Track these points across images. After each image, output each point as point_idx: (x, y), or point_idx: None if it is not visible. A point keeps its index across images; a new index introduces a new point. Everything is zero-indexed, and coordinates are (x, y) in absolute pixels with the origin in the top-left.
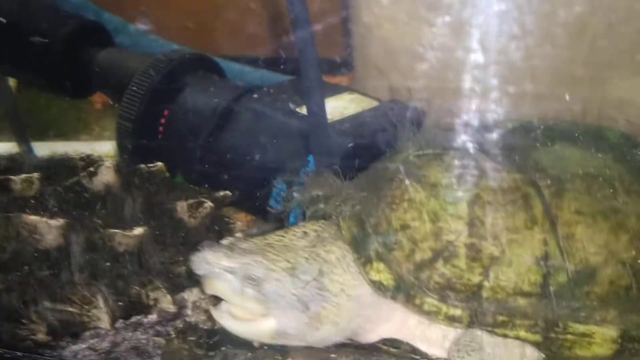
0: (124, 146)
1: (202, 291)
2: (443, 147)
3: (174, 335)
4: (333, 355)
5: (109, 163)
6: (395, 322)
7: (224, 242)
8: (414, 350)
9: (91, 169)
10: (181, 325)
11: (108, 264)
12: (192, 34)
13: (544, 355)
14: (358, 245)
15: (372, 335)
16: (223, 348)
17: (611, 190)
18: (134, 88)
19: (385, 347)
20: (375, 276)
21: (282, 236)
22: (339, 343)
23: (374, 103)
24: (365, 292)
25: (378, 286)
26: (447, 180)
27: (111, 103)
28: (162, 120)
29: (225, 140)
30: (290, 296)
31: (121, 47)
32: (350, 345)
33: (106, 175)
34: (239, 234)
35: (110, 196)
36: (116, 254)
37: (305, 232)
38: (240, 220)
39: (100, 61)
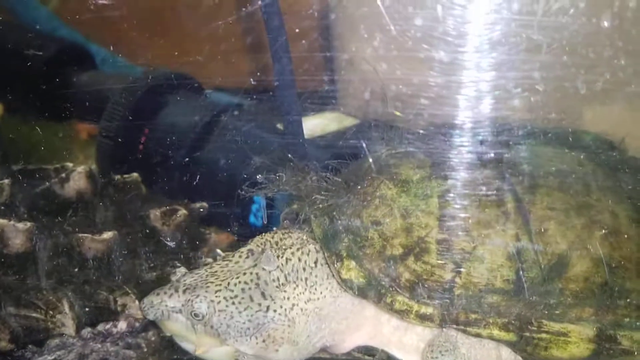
0: (104, 163)
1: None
2: (415, 147)
3: (146, 350)
4: None
5: (81, 169)
6: (368, 331)
7: (173, 278)
8: (390, 358)
9: (63, 175)
10: (153, 338)
11: (76, 269)
12: (179, 65)
13: (520, 358)
14: (329, 243)
15: (345, 345)
16: None
17: (584, 187)
18: (114, 106)
19: (359, 355)
20: (345, 274)
21: (229, 260)
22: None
23: (355, 121)
24: (324, 304)
25: (349, 284)
26: (419, 176)
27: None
28: (142, 138)
29: (205, 156)
30: (238, 324)
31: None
32: None
33: (78, 182)
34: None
35: (82, 202)
36: (85, 259)
37: (250, 250)
38: (222, 241)
39: (82, 83)
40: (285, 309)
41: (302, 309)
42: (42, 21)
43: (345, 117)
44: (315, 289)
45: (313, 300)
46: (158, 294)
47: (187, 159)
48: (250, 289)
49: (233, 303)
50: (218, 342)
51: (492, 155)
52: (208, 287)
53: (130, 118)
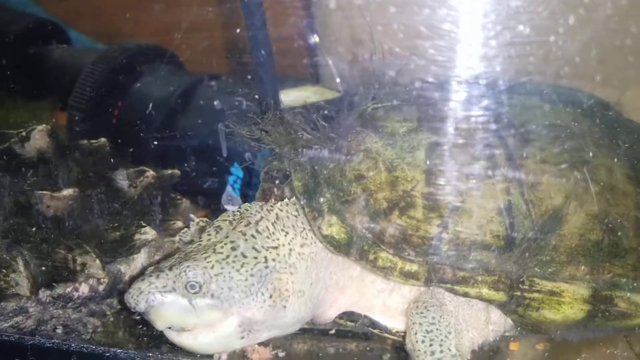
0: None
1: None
2: (402, 100)
3: (112, 319)
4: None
5: (42, 127)
6: (352, 294)
7: (148, 271)
8: (372, 324)
9: (23, 133)
10: (119, 306)
11: (34, 227)
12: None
13: (510, 321)
14: (309, 197)
15: (331, 312)
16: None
17: (580, 143)
18: (85, 78)
19: (342, 321)
20: (326, 230)
21: (200, 240)
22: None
23: (336, 94)
24: (317, 250)
25: (330, 241)
26: (405, 129)
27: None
28: (115, 111)
29: (180, 127)
30: (240, 284)
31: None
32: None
33: (39, 140)
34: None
35: (43, 162)
36: (43, 217)
37: (219, 227)
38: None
39: (55, 59)
40: (284, 255)
41: (299, 254)
42: (22, 6)
43: (327, 90)
44: (306, 233)
45: (307, 245)
46: (143, 280)
47: (162, 130)
48: (239, 246)
49: (227, 263)
50: (221, 316)
51: (483, 108)
52: (195, 257)
53: (101, 90)
